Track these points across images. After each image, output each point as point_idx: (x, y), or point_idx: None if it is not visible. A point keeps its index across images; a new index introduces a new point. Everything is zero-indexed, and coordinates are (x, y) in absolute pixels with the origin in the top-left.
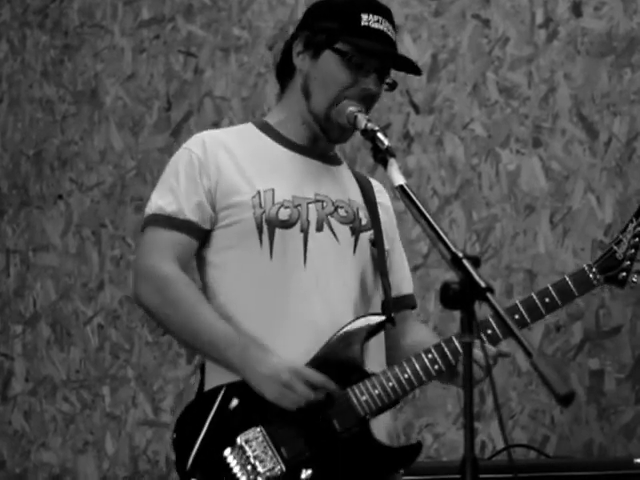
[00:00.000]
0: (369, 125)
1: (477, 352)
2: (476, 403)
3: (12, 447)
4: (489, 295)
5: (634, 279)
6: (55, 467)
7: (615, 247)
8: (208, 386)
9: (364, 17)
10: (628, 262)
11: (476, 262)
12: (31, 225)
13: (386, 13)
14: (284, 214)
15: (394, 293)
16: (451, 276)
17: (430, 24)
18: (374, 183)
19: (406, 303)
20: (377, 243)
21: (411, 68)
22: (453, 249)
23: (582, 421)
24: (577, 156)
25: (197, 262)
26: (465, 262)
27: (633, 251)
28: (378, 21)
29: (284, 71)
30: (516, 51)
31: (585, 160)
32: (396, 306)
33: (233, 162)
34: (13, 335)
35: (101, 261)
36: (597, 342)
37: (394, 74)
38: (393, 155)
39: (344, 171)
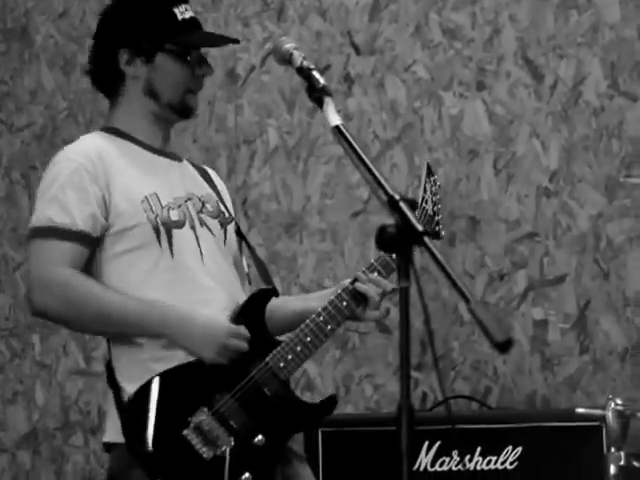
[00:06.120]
0: (305, 63)
1: (363, 286)
2: (417, 354)
3: None
4: (426, 239)
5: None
6: None
7: (425, 205)
8: (130, 390)
9: (177, 11)
10: (440, 216)
11: (413, 205)
12: None
13: None
14: (174, 215)
15: None
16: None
17: None
18: (209, 171)
19: None
20: (238, 231)
21: (228, 39)
22: (390, 191)
23: (525, 372)
24: (522, 100)
25: (89, 267)
26: (402, 205)
27: (439, 207)
28: (187, 9)
29: (109, 79)
30: None
31: (530, 104)
32: None
33: (117, 169)
34: None
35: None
36: (541, 291)
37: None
38: (329, 94)
39: (189, 166)
